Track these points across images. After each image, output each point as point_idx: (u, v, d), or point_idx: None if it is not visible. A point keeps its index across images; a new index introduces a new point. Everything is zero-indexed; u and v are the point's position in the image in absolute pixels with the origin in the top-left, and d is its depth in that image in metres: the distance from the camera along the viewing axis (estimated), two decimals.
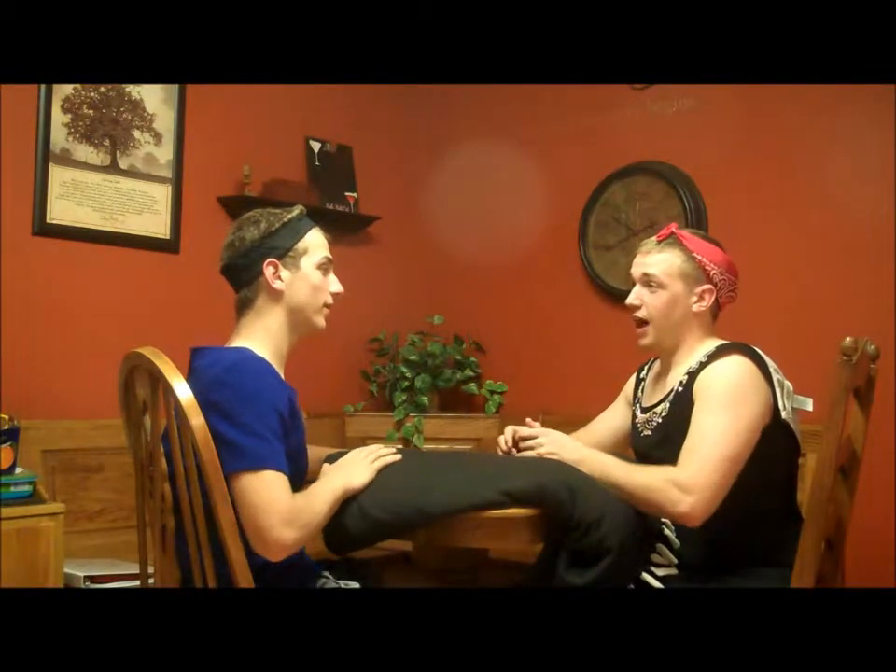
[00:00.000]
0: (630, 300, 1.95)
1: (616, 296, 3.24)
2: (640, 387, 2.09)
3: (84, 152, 2.94)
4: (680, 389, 1.87)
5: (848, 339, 1.64)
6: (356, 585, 1.77)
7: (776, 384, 1.79)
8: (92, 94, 2.97)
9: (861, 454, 1.77)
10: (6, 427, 2.35)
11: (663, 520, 1.86)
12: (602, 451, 1.95)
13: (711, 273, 1.90)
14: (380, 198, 3.75)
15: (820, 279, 2.81)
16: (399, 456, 1.81)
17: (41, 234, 2.86)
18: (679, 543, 1.86)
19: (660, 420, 1.92)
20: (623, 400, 2.18)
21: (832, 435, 1.64)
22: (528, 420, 1.98)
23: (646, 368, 2.14)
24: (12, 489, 2.31)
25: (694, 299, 1.91)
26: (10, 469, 2.33)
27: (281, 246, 1.76)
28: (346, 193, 3.64)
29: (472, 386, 3.58)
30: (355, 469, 1.75)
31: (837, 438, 1.65)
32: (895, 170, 2.65)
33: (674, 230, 1.93)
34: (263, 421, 1.59)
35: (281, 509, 1.56)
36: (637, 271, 1.95)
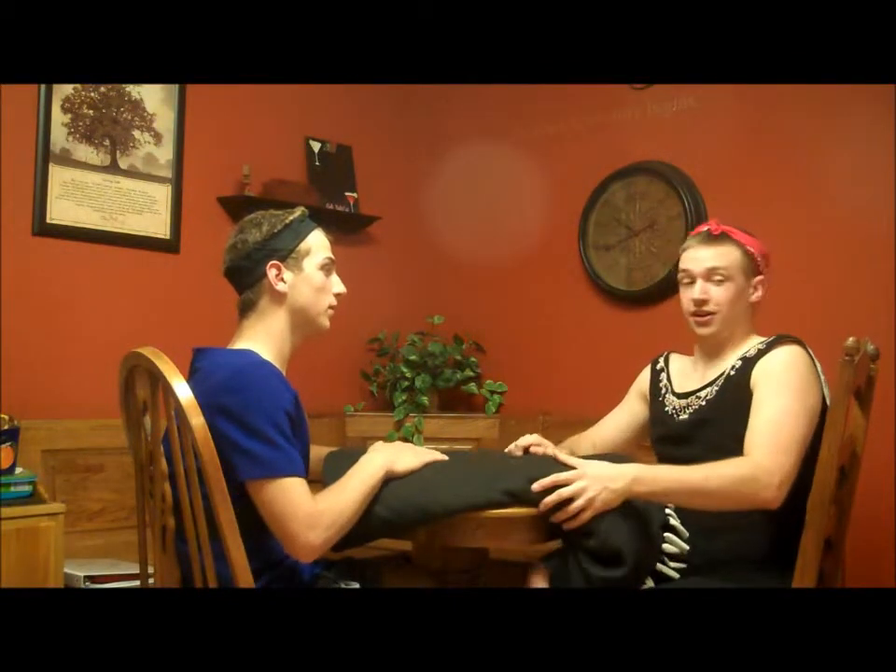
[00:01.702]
0: (697, 294, 1.97)
1: (616, 296, 3.24)
2: (661, 378, 2.13)
3: (84, 152, 2.94)
4: (733, 374, 1.92)
5: (851, 339, 1.64)
6: (356, 585, 1.77)
7: (822, 376, 1.88)
8: (92, 94, 2.97)
9: (861, 453, 1.77)
10: (6, 427, 2.34)
11: (667, 510, 1.85)
12: (613, 450, 1.97)
13: (761, 265, 2.01)
14: (380, 198, 3.75)
15: (820, 279, 2.81)
16: (445, 457, 1.83)
17: (41, 234, 2.85)
18: (687, 533, 1.86)
19: (703, 403, 1.96)
20: (635, 396, 2.21)
21: (833, 435, 1.64)
22: (553, 451, 1.89)
23: (661, 360, 2.18)
24: (12, 489, 2.30)
25: (752, 290, 2.00)
26: (10, 469, 2.33)
27: (283, 248, 1.76)
28: (346, 193, 3.64)
29: (472, 386, 3.58)
30: (402, 454, 1.77)
31: (839, 438, 1.65)
32: (895, 170, 2.65)
33: (721, 226, 2.01)
34: (276, 427, 1.60)
35: (303, 515, 1.57)
36: (698, 266, 1.99)
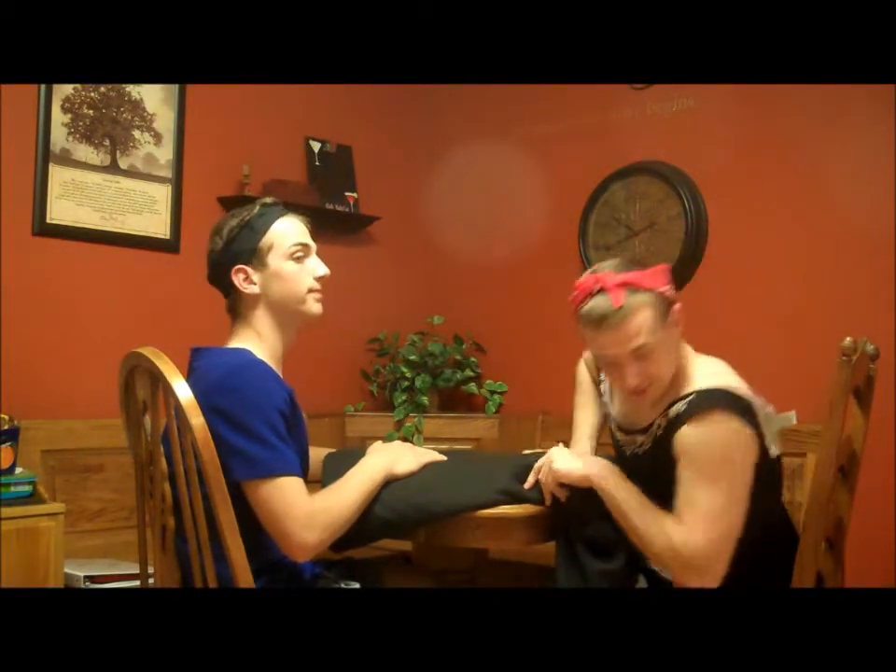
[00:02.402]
0: (633, 383, 1.67)
1: None
2: (603, 389, 1.95)
3: (84, 152, 2.94)
4: (660, 433, 1.71)
5: (848, 339, 1.64)
6: (356, 585, 1.77)
7: (761, 421, 1.66)
8: (92, 94, 2.97)
9: (860, 453, 1.77)
10: (6, 427, 2.34)
11: None
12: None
13: (666, 293, 1.68)
14: (380, 198, 3.75)
15: (820, 279, 2.81)
16: (444, 457, 1.83)
17: (41, 234, 2.85)
18: None
19: (641, 453, 1.78)
20: (588, 386, 2.04)
21: (832, 435, 1.64)
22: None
23: (600, 374, 1.97)
24: (12, 489, 2.30)
25: (673, 330, 1.69)
26: (10, 469, 2.33)
27: (244, 250, 1.73)
28: (346, 193, 3.64)
29: (472, 386, 3.58)
30: (401, 457, 1.76)
31: (837, 438, 1.65)
32: (895, 170, 2.65)
33: (606, 281, 1.65)
34: (271, 426, 1.59)
35: (299, 514, 1.57)
36: (617, 351, 1.65)
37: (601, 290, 1.64)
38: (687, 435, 1.63)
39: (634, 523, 1.64)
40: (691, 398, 1.66)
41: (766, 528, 1.72)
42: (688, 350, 1.77)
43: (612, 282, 1.64)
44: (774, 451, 1.69)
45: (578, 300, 1.69)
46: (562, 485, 1.71)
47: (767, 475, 1.69)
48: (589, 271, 1.71)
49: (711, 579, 1.60)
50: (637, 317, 1.63)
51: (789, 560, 1.71)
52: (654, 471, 1.71)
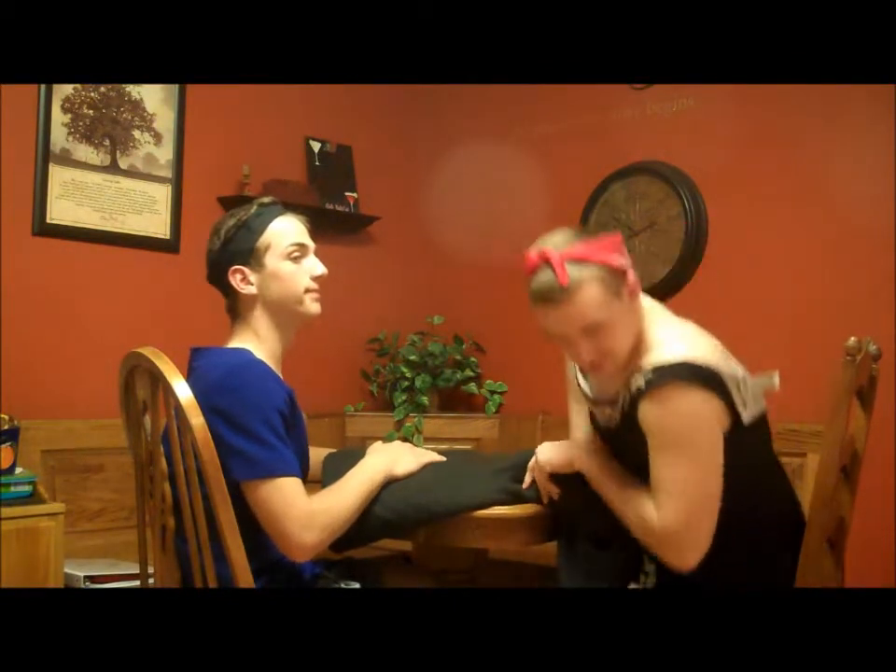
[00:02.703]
0: (587, 360, 1.60)
1: None
2: (578, 371, 1.86)
3: (84, 152, 2.94)
4: (626, 407, 1.64)
5: (852, 339, 1.63)
6: (356, 585, 1.77)
7: (730, 388, 1.58)
8: (92, 94, 2.97)
9: (862, 453, 1.77)
10: (6, 427, 2.35)
11: None
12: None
13: (619, 265, 1.58)
14: (380, 198, 3.75)
15: (820, 279, 2.81)
16: (444, 458, 1.83)
17: (41, 234, 2.86)
18: None
19: (613, 427, 1.70)
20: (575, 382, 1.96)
21: (834, 436, 1.63)
22: None
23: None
24: (12, 489, 2.30)
25: (627, 300, 1.60)
26: (10, 469, 2.33)
27: (241, 250, 1.73)
28: (346, 193, 3.64)
29: (472, 386, 3.58)
30: (401, 457, 1.76)
31: (840, 439, 1.64)
32: (895, 170, 2.65)
33: (551, 257, 1.57)
34: (270, 427, 1.59)
35: (298, 514, 1.57)
36: (567, 329, 1.59)
37: (547, 264, 1.58)
38: (646, 412, 1.58)
39: (615, 504, 1.64)
40: (648, 372, 1.57)
41: (763, 498, 1.69)
42: (652, 313, 1.68)
43: (557, 256, 1.56)
44: (747, 416, 1.60)
45: (526, 274, 1.62)
46: (555, 480, 1.71)
47: (746, 440, 1.62)
48: (537, 241, 1.62)
49: (691, 553, 1.56)
50: (584, 294, 1.54)
51: (796, 536, 1.68)
52: (628, 445, 1.66)
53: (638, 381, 1.59)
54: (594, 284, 1.55)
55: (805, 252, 2.85)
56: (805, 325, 2.81)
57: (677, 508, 1.55)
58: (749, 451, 1.66)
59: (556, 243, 1.59)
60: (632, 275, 1.61)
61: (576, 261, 1.56)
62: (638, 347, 1.63)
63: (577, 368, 1.86)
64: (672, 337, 1.63)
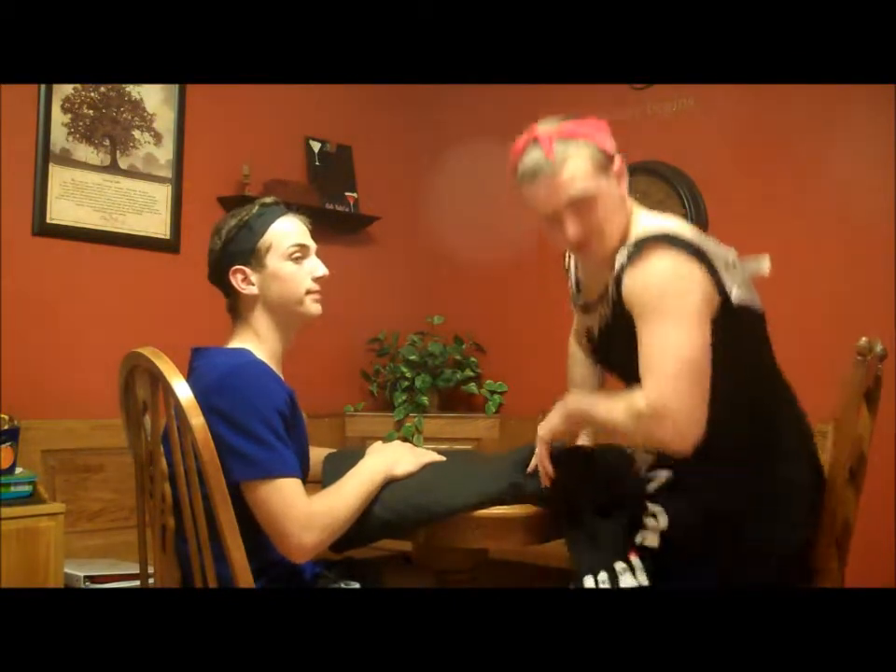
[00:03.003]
0: (574, 234, 1.60)
1: None
2: (572, 281, 1.86)
3: (84, 152, 2.94)
4: (614, 296, 1.62)
5: (863, 339, 1.63)
6: (356, 585, 1.77)
7: (717, 265, 1.58)
8: (92, 94, 2.97)
9: (867, 454, 1.77)
10: (6, 427, 2.35)
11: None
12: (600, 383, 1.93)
13: (606, 146, 1.61)
14: (380, 198, 3.75)
15: (820, 278, 2.82)
16: (443, 458, 1.83)
17: (41, 234, 2.86)
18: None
19: (605, 329, 1.70)
20: (580, 357, 2.00)
21: (844, 437, 1.63)
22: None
23: (567, 261, 1.88)
24: (12, 489, 2.31)
25: (615, 182, 1.62)
26: (10, 469, 2.33)
27: (242, 250, 1.73)
28: (346, 193, 3.64)
29: (472, 386, 3.58)
30: (401, 457, 1.76)
31: (851, 439, 1.64)
32: (895, 170, 2.65)
33: (540, 135, 1.63)
34: (269, 427, 1.59)
35: (297, 515, 1.57)
36: (555, 202, 1.61)
37: (535, 142, 1.63)
38: (629, 285, 1.57)
39: (609, 418, 1.59)
40: (630, 246, 1.59)
41: (765, 414, 1.65)
42: (639, 210, 1.69)
43: (546, 133, 1.62)
44: (737, 294, 1.59)
45: (514, 158, 1.67)
46: (554, 461, 1.71)
47: (735, 325, 1.59)
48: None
49: (687, 427, 1.49)
50: (570, 165, 1.58)
51: (780, 426, 1.64)
52: (623, 347, 1.62)
53: (622, 257, 1.60)
54: (580, 157, 1.58)
55: (805, 252, 2.85)
56: (805, 325, 2.81)
57: (662, 378, 1.50)
58: (744, 346, 1.60)
59: (545, 125, 1.65)
60: (619, 160, 1.63)
61: (564, 139, 1.60)
62: (624, 239, 1.63)
63: (572, 270, 1.85)
64: (656, 221, 1.65)
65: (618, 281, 1.60)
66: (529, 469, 1.76)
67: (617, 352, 1.69)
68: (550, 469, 1.72)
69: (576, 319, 1.98)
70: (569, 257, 1.87)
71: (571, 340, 2.09)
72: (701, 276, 1.54)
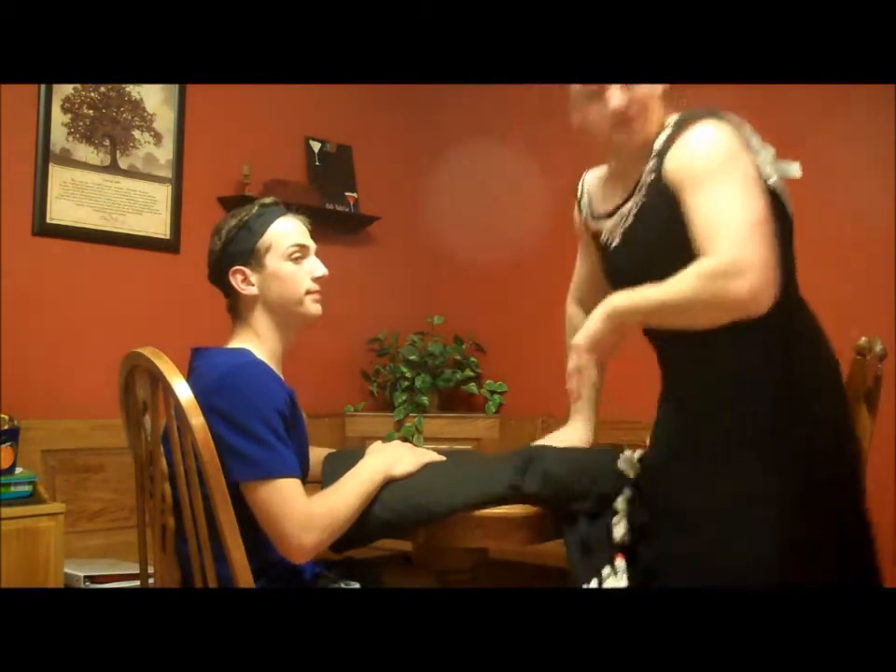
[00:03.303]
0: (618, 104, 1.57)
1: None
2: (584, 205, 1.84)
3: (84, 152, 2.94)
4: (652, 177, 1.57)
5: (863, 338, 1.63)
6: (356, 585, 1.77)
7: (755, 148, 1.55)
8: (92, 94, 2.97)
9: (867, 454, 1.77)
10: (6, 427, 2.35)
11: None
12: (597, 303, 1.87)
13: None
14: (380, 198, 3.75)
15: (820, 278, 2.81)
16: (443, 458, 1.82)
17: (41, 234, 2.86)
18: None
19: (631, 220, 1.63)
20: (581, 239, 1.93)
21: None
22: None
23: (579, 186, 1.88)
24: (12, 489, 2.31)
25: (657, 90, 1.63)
26: (10, 469, 2.33)
27: (242, 251, 1.73)
28: (346, 193, 3.64)
29: (472, 386, 3.58)
30: (401, 457, 1.76)
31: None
32: (895, 170, 2.65)
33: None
34: (269, 427, 1.59)
35: (297, 516, 1.57)
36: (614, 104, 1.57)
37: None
38: (677, 153, 1.52)
39: (670, 298, 1.46)
40: (670, 124, 1.57)
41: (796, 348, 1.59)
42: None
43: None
44: (775, 181, 1.55)
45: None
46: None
47: (777, 217, 1.52)
48: None
49: (765, 287, 1.40)
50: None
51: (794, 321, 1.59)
52: (641, 233, 1.58)
53: (663, 135, 1.56)
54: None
55: (805, 251, 2.84)
56: None
57: (734, 235, 1.41)
58: (779, 241, 1.50)
59: None
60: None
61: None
62: (660, 120, 1.61)
63: (585, 193, 1.84)
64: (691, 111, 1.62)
65: (659, 160, 1.55)
66: (568, 385, 1.60)
67: (643, 249, 1.59)
68: (581, 383, 1.60)
69: (579, 269, 1.96)
70: (583, 181, 1.86)
71: (569, 302, 2.05)
72: (746, 153, 1.51)
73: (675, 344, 1.61)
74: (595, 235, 1.79)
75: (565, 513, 1.74)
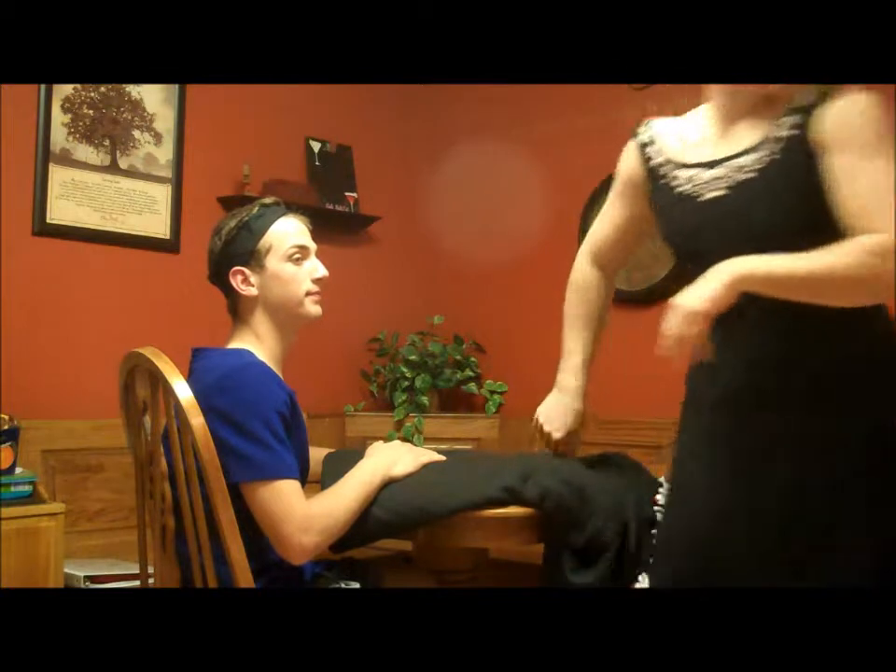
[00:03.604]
0: None
1: (616, 296, 3.23)
2: (653, 154, 1.67)
3: (84, 152, 2.94)
4: (795, 132, 1.46)
5: None
6: (356, 585, 1.77)
7: None
8: (92, 94, 2.97)
9: None
10: (6, 427, 2.35)
11: (656, 506, 1.73)
12: (615, 258, 1.84)
13: None
14: (380, 198, 3.75)
15: None
16: (443, 458, 1.82)
17: (41, 234, 2.86)
18: None
19: (755, 173, 1.48)
20: (628, 187, 1.75)
21: None
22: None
23: (644, 133, 1.71)
24: (12, 489, 2.31)
25: None
26: (10, 469, 2.33)
27: (242, 251, 1.73)
28: (346, 193, 3.64)
29: (472, 386, 3.58)
30: (400, 458, 1.75)
31: None
32: (895, 169, 2.65)
33: None
34: (269, 428, 1.59)
35: (297, 517, 1.57)
36: None
37: None
38: (836, 112, 1.43)
39: (821, 275, 1.36)
40: (814, 89, 1.49)
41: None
42: None
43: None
44: None
45: None
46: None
47: None
48: None
49: None
50: None
51: None
52: (766, 189, 1.46)
53: (807, 94, 1.48)
54: None
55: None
56: None
57: (887, 208, 1.35)
58: None
59: None
60: None
61: None
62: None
63: (652, 151, 1.67)
64: None
65: (804, 116, 1.46)
66: (660, 350, 1.40)
67: (763, 205, 1.47)
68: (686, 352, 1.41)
69: (606, 225, 1.82)
70: (648, 127, 1.70)
71: (584, 261, 1.93)
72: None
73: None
74: (663, 186, 1.62)
75: (561, 543, 1.72)
